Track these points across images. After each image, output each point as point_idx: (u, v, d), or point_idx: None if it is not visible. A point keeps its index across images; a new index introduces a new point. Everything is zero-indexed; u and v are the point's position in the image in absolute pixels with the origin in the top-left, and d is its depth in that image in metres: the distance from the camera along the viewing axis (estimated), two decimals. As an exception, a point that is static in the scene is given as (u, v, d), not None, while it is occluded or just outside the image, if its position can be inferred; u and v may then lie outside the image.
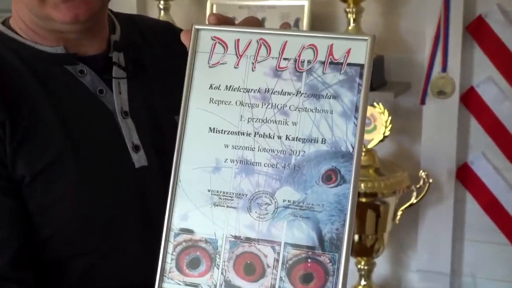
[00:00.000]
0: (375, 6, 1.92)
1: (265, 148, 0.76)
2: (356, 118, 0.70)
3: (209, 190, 0.77)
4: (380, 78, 1.87)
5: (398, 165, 1.95)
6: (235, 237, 0.74)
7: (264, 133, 0.77)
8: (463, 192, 1.95)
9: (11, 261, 0.88)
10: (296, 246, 0.71)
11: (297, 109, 0.75)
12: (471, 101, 1.90)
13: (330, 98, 0.74)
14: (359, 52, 0.71)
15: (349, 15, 1.84)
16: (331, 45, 0.74)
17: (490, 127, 1.89)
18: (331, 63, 0.73)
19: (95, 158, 0.94)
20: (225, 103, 0.79)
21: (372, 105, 1.87)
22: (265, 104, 0.76)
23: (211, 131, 0.78)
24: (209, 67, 0.78)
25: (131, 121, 0.97)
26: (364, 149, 1.84)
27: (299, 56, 0.75)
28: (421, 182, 1.88)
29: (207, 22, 0.80)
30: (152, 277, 0.90)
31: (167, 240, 0.78)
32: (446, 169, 1.92)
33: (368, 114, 1.75)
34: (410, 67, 1.92)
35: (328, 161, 0.72)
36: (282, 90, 0.76)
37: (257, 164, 0.76)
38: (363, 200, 1.85)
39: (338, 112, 0.73)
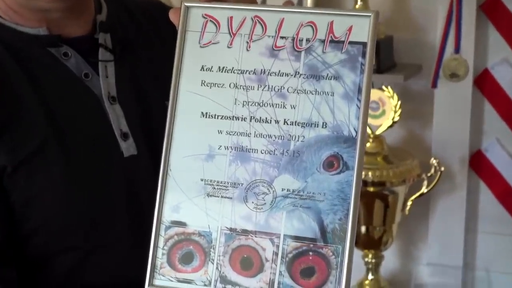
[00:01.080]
0: None
1: (261, 134, 0.71)
2: (359, 100, 0.66)
3: (202, 180, 0.72)
4: (389, 60, 1.84)
5: (408, 152, 1.90)
6: (231, 229, 0.69)
7: (260, 118, 0.71)
8: (477, 181, 1.91)
9: None
10: (296, 238, 0.67)
11: (296, 91, 0.70)
12: (485, 84, 1.85)
13: (331, 79, 0.69)
14: (362, 29, 0.67)
15: None
16: (331, 22, 0.69)
17: (505, 112, 1.85)
18: (332, 41, 0.68)
19: (80, 147, 0.90)
20: (218, 86, 0.73)
21: (381, 89, 1.84)
22: (261, 86, 0.71)
23: (203, 115, 0.73)
24: (200, 47, 0.72)
25: (119, 107, 0.93)
26: (372, 135, 1.85)
27: (297, 34, 0.69)
28: (432, 171, 1.85)
29: None
30: (144, 272, 0.83)
31: (157, 234, 0.72)
32: (459, 156, 1.88)
33: (376, 98, 1.78)
34: (421, 48, 1.87)
35: (330, 146, 0.67)
36: (279, 71, 0.71)
37: (253, 151, 0.71)
38: (371, 189, 1.80)
39: (340, 94, 0.68)
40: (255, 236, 0.69)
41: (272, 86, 0.71)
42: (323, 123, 0.69)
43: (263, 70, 0.72)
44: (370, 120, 1.82)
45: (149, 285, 0.73)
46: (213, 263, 0.70)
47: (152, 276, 0.72)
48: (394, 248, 1.97)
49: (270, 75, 0.71)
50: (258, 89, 0.71)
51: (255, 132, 0.72)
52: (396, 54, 1.86)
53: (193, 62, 0.73)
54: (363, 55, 0.68)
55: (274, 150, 0.70)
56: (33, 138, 0.86)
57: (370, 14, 0.67)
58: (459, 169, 1.86)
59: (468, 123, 1.84)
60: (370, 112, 1.79)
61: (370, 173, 1.77)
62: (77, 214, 0.90)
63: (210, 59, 0.72)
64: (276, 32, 0.70)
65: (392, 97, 1.79)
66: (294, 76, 0.70)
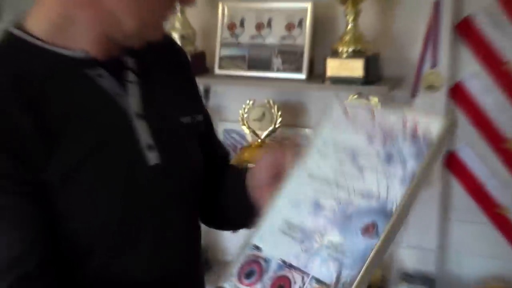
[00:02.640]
0: (371, 8, 1.84)
1: (335, 197, 0.77)
2: (409, 184, 0.69)
3: (286, 220, 0.79)
4: (376, 74, 1.82)
5: None
6: (283, 261, 0.76)
7: (341, 185, 0.78)
8: (450, 177, 1.88)
9: (38, 264, 0.83)
10: (318, 281, 0.71)
11: (371, 169, 0.75)
12: (458, 94, 1.81)
13: (398, 163, 0.73)
14: (435, 129, 0.70)
15: (348, 17, 1.75)
16: (417, 124, 0.73)
17: (475, 119, 1.82)
18: (412, 136, 0.73)
19: (113, 157, 0.89)
20: (325, 156, 0.83)
21: (368, 99, 1.79)
22: (353, 163, 0.78)
23: (309, 176, 0.82)
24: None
25: (144, 123, 0.91)
26: None
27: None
28: None
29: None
30: (169, 273, 1.00)
31: (243, 252, 0.81)
32: None
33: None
34: (403, 64, 1.84)
35: (373, 215, 0.71)
36: (368, 152, 0.77)
37: (324, 209, 0.77)
38: None
39: (399, 176, 0.72)
40: (295, 271, 0.74)
41: (359, 163, 0.78)
42: (377, 196, 0.73)
43: (358, 151, 0.79)
44: None
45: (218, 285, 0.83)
46: (261, 283, 0.76)
47: (223, 281, 0.81)
48: None
49: (362, 155, 0.78)
50: (349, 165, 0.78)
51: (332, 195, 0.77)
52: (382, 69, 1.84)
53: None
54: (428, 149, 0.71)
55: (336, 210, 0.75)
56: (74, 152, 0.84)
57: (446, 122, 0.70)
58: (435, 167, 1.81)
59: None
60: None
61: None
62: (110, 215, 0.89)
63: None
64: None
65: (378, 105, 1.72)
66: (375, 157, 0.75)
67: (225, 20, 1.95)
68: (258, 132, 1.97)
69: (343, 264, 0.70)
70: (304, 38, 1.85)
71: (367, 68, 1.73)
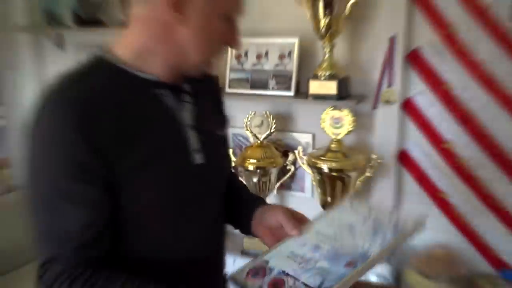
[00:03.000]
0: (343, 43, 1.95)
1: (331, 245, 0.94)
2: (385, 247, 0.89)
3: (292, 251, 0.96)
4: (346, 91, 1.92)
5: (358, 150, 1.99)
6: (283, 271, 0.92)
7: (337, 239, 0.96)
8: (402, 169, 1.99)
9: (94, 238, 0.87)
10: (305, 284, 0.87)
11: (361, 235, 0.95)
12: (408, 107, 1.94)
13: (381, 235, 0.92)
14: (411, 225, 0.95)
15: (325, 49, 1.87)
16: (399, 219, 0.97)
17: (421, 125, 1.93)
18: (394, 226, 0.95)
19: (171, 157, 0.93)
20: (331, 224, 1.02)
21: (340, 110, 1.90)
22: (349, 231, 0.97)
23: (316, 232, 1.00)
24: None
25: (194, 132, 0.97)
26: (335, 140, 1.91)
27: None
28: (374, 162, 1.93)
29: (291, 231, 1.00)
30: (205, 252, 1.07)
31: (254, 260, 0.99)
32: (390, 153, 1.95)
33: (337, 116, 1.90)
34: (366, 84, 1.95)
35: (355, 257, 0.89)
36: (361, 228, 0.97)
37: (322, 249, 0.94)
38: (334, 174, 1.87)
39: (379, 242, 0.91)
40: (288, 277, 0.90)
41: (353, 231, 0.97)
42: (361, 248, 0.90)
43: (354, 225, 0.98)
44: (333, 130, 1.90)
45: (231, 277, 0.97)
46: (262, 281, 0.92)
47: (236, 274, 0.97)
48: None
49: (357, 228, 0.97)
50: (347, 231, 0.97)
51: (329, 242, 0.95)
52: (350, 88, 1.95)
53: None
54: (401, 233, 0.92)
55: (330, 251, 0.93)
56: (145, 151, 0.88)
57: (418, 223, 0.94)
58: (390, 162, 1.95)
59: (396, 132, 1.92)
60: (334, 125, 1.88)
61: (333, 164, 1.85)
62: (166, 200, 0.93)
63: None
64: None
65: (348, 115, 1.88)
66: (365, 230, 0.94)
67: (233, 51, 2.04)
68: (258, 135, 2.05)
69: (326, 279, 0.85)
70: (292, 65, 1.95)
71: (340, 87, 1.84)
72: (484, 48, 1.77)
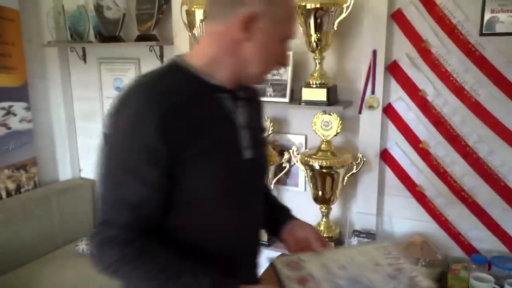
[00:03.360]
0: (332, 55, 1.99)
1: (356, 272, 1.03)
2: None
3: (323, 263, 1.06)
4: (335, 98, 1.95)
5: (345, 150, 2.02)
6: (310, 274, 1.02)
7: (363, 268, 1.05)
8: (384, 166, 2.02)
9: (151, 212, 0.92)
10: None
11: (380, 274, 1.01)
12: (389, 112, 1.97)
13: (396, 281, 0.99)
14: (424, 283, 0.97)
15: (316, 61, 1.91)
16: (417, 275, 1.00)
17: (400, 128, 1.96)
18: (411, 279, 1.00)
19: (226, 150, 0.99)
20: (364, 253, 1.10)
21: (330, 114, 1.95)
22: (373, 267, 1.05)
23: (348, 256, 1.09)
24: None
25: (245, 131, 1.03)
26: (326, 141, 1.96)
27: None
28: (359, 160, 1.96)
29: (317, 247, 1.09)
30: (249, 238, 1.11)
31: (295, 257, 1.08)
32: (374, 152, 1.99)
33: (327, 120, 1.96)
34: (352, 91, 1.98)
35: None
36: (383, 268, 1.05)
37: (348, 271, 1.03)
38: (324, 171, 1.90)
39: (392, 285, 0.99)
40: (314, 280, 0.98)
41: (375, 269, 1.03)
42: (377, 285, 0.97)
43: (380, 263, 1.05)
44: (323, 132, 1.95)
45: (272, 261, 1.05)
46: (295, 273, 1.00)
47: (277, 260, 1.04)
48: (337, 204, 2.09)
49: (379, 267, 1.04)
50: (371, 267, 1.04)
51: (355, 266, 1.03)
52: (338, 95, 1.98)
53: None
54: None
55: (352, 273, 1.01)
56: (206, 143, 0.93)
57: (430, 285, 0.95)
58: (374, 159, 1.98)
59: (379, 133, 1.95)
60: (324, 127, 1.93)
61: (324, 162, 1.89)
62: (219, 185, 0.97)
63: None
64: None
65: (336, 119, 1.94)
66: (385, 273, 1.00)
67: None
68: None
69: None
70: (287, 75, 1.98)
71: (329, 94, 1.86)
72: (454, 60, 1.82)
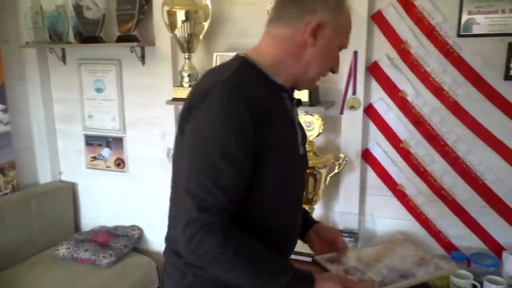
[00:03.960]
0: None
1: (390, 263, 1.19)
2: None
3: (359, 258, 1.21)
4: (317, 99, 1.96)
5: (327, 150, 2.05)
6: (354, 266, 1.17)
7: (392, 260, 1.21)
8: (366, 166, 2.05)
9: (239, 196, 0.97)
10: (371, 278, 1.10)
11: (412, 264, 1.20)
12: (370, 112, 1.99)
13: (425, 267, 1.18)
14: None
15: None
16: None
17: (381, 127, 1.99)
18: None
19: (290, 146, 1.06)
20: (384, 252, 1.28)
21: (312, 115, 1.96)
22: (403, 261, 1.22)
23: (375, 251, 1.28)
24: None
25: (298, 129, 1.11)
26: (308, 141, 1.91)
27: None
28: (341, 160, 1.98)
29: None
30: (296, 229, 1.18)
31: (333, 255, 1.21)
32: (355, 152, 2.01)
33: (309, 120, 1.97)
34: (334, 92, 2.00)
35: (407, 274, 1.12)
36: (411, 261, 1.22)
37: (382, 263, 1.16)
38: (308, 171, 1.75)
39: (424, 271, 1.16)
40: (358, 271, 1.11)
41: (405, 259, 1.20)
42: (411, 270, 1.14)
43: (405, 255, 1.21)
44: (306, 132, 2.02)
45: (315, 260, 1.14)
46: (335, 267, 1.12)
47: (319, 258, 1.14)
48: (320, 203, 2.10)
49: (407, 258, 1.22)
50: (400, 259, 1.21)
51: (385, 260, 1.19)
52: (320, 95, 1.99)
53: None
54: None
55: (387, 264, 1.16)
56: (277, 137, 0.99)
57: None
58: (355, 159, 2.00)
59: (360, 133, 1.97)
60: (306, 127, 1.90)
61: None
62: (284, 177, 1.03)
63: None
64: None
65: (318, 119, 1.95)
66: None
67: (217, 64, 2.04)
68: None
69: (385, 278, 1.09)
70: None
71: (311, 95, 1.87)
72: (433, 61, 1.86)
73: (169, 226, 1.15)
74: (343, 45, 1.09)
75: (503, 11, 1.73)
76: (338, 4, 1.04)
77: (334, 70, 1.11)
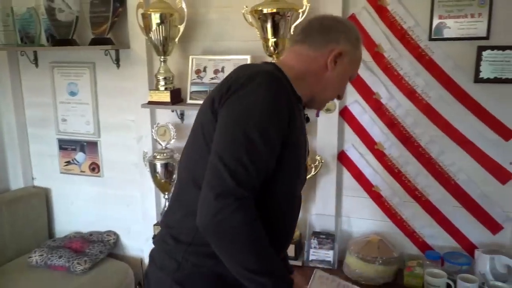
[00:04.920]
0: None
1: None
2: None
3: None
4: None
5: None
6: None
7: None
8: (341, 167, 2.07)
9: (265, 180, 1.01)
10: None
11: None
12: (345, 114, 2.01)
13: None
14: None
15: None
16: None
17: (356, 130, 2.02)
18: None
19: (302, 150, 1.13)
20: None
21: None
22: None
23: None
24: None
25: (307, 139, 1.20)
26: None
27: None
28: (317, 162, 1.99)
29: None
30: (292, 232, 1.22)
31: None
32: (331, 154, 2.03)
33: None
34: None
35: None
36: None
37: None
38: None
39: None
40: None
41: None
42: None
43: None
44: None
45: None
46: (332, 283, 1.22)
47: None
48: None
49: None
50: None
51: None
52: None
53: None
54: None
55: None
56: (295, 138, 1.06)
57: None
58: (331, 161, 2.02)
59: (336, 136, 1.99)
60: None
61: None
62: (294, 175, 1.10)
63: None
64: None
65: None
66: None
67: (193, 67, 2.09)
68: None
69: None
70: None
71: None
72: (406, 64, 1.89)
73: (170, 210, 1.16)
74: (353, 76, 1.22)
75: (472, 16, 1.77)
76: (357, 40, 1.18)
77: (340, 96, 1.24)
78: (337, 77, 1.16)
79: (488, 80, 1.79)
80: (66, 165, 2.65)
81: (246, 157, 0.95)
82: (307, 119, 1.22)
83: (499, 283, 1.67)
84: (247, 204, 0.95)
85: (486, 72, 1.78)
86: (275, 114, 0.99)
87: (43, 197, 2.72)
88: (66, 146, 2.63)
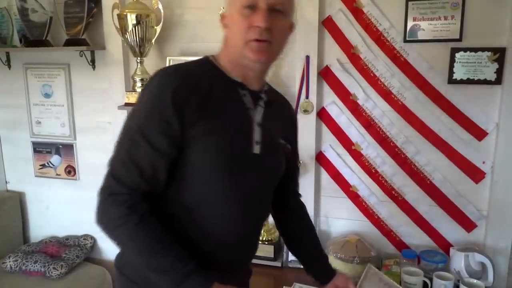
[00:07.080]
0: None
1: None
2: None
3: None
4: None
5: None
6: None
7: None
8: (320, 168, 2.08)
9: (155, 176, 0.98)
10: None
11: None
12: (322, 115, 2.03)
13: None
14: None
15: None
16: None
17: (334, 130, 2.03)
18: None
19: (235, 140, 1.04)
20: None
21: None
22: None
23: None
24: None
25: (259, 128, 1.08)
26: None
27: None
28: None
29: None
30: (248, 233, 1.13)
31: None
32: (309, 155, 2.03)
33: None
34: (287, 96, 1.73)
35: None
36: None
37: None
38: None
39: None
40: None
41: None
42: None
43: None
44: None
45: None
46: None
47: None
48: None
49: None
50: None
51: None
52: None
53: None
54: None
55: None
56: (213, 125, 0.99)
57: None
58: (310, 162, 2.02)
59: (313, 136, 2.00)
60: None
61: None
62: (223, 169, 1.02)
63: None
64: None
65: None
66: None
67: None
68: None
69: None
70: None
71: None
72: (381, 65, 1.91)
73: None
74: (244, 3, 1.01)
75: (445, 18, 1.80)
76: None
77: (254, 33, 0.99)
78: (231, 26, 1.04)
79: (461, 81, 1.82)
80: (41, 168, 2.60)
81: (126, 155, 0.98)
82: (270, 103, 1.12)
83: (474, 280, 1.70)
84: (123, 199, 0.96)
85: (459, 73, 1.81)
86: (156, 112, 0.97)
87: (17, 201, 2.66)
88: (41, 148, 2.57)
